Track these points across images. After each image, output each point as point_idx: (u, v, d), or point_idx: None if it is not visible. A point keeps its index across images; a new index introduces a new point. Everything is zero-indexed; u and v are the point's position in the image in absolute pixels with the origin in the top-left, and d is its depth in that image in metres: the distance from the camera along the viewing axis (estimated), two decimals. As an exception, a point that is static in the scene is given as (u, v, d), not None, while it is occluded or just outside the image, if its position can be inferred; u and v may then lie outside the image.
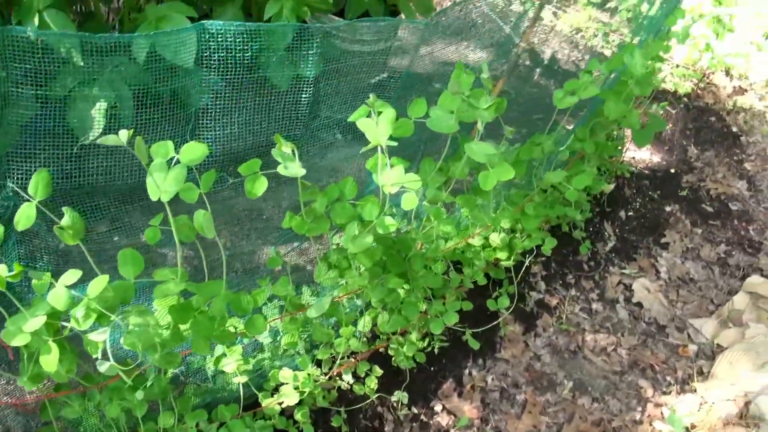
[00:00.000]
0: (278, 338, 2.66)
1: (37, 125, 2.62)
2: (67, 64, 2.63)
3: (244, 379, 2.39)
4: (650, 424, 3.19)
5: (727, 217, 4.44)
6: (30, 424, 2.36)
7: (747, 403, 3.26)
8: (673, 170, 4.68)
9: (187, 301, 1.93)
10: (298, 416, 2.67)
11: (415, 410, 3.04)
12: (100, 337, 1.72)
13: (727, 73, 5.76)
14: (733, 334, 3.67)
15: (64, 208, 1.66)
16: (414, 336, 2.91)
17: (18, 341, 1.72)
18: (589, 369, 3.38)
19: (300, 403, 2.65)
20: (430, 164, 2.27)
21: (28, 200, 1.62)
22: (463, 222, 2.99)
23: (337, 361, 2.81)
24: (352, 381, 2.90)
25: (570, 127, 3.60)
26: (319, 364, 2.82)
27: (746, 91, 5.69)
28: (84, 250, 1.76)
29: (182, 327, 1.96)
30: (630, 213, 4.25)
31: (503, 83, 2.67)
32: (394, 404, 3.00)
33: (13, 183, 2.63)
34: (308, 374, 2.54)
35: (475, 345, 3.15)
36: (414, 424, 3.00)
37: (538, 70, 4.83)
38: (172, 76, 2.65)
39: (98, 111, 2.86)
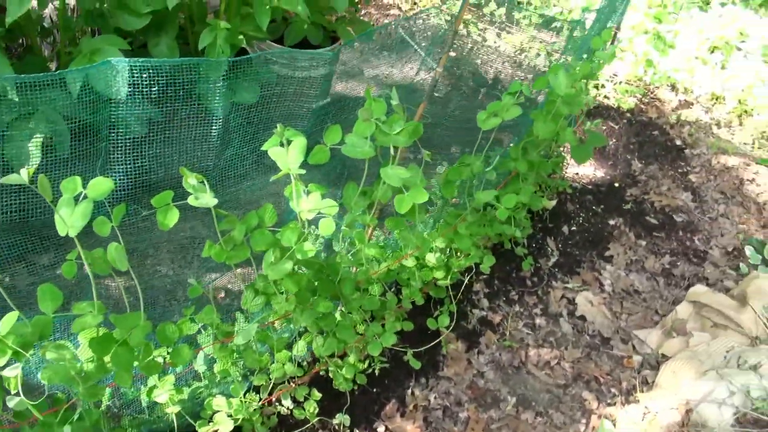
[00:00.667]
0: (213, 366, 2.68)
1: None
2: (4, 100, 2.65)
3: (176, 409, 2.40)
4: (592, 436, 3.23)
5: (671, 229, 4.51)
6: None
7: (689, 411, 3.31)
8: (616, 184, 4.76)
9: (106, 333, 1.94)
10: (236, 443, 2.68)
11: (357, 432, 3.06)
12: (12, 372, 1.73)
13: (673, 87, 5.87)
14: (677, 344, 3.72)
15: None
16: (352, 358, 2.93)
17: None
18: (533, 384, 3.41)
19: (239, 430, 2.66)
20: (353, 188, 2.31)
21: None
22: (398, 243, 3.02)
23: (271, 386, 2.81)
24: (291, 406, 2.91)
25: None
26: (258, 389, 2.83)
27: (692, 104, 5.80)
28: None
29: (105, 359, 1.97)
30: (573, 228, 4.31)
31: (424, 107, 2.71)
32: (336, 427, 3.01)
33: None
34: (241, 401, 2.55)
35: (416, 365, 3.18)
36: (356, 445, 3.03)
37: (483, 89, 4.90)
38: (104, 108, 2.67)
39: (35, 144, 2.87)
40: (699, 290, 3.99)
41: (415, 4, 5.94)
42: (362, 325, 2.89)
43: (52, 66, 3.67)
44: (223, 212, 1.99)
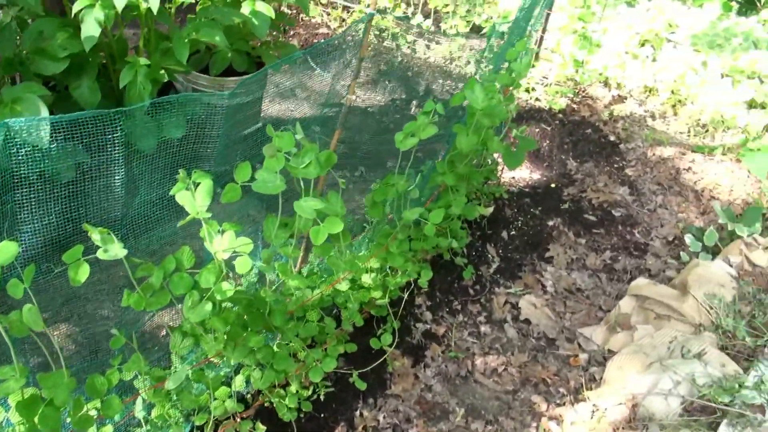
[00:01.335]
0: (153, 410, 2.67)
1: None
2: None
3: (116, 457, 2.39)
4: (543, 439, 3.27)
5: (610, 224, 4.58)
6: None
7: (635, 406, 3.36)
8: (553, 185, 4.81)
9: (33, 394, 1.93)
10: (183, 483, 2.67)
11: (307, 459, 3.07)
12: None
13: (606, 83, 5.95)
14: (622, 338, 3.77)
15: None
16: (294, 387, 2.94)
17: None
18: (481, 392, 3.44)
19: (185, 469, 2.66)
20: (272, 221, 2.32)
21: None
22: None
23: (214, 424, 2.80)
24: (237, 440, 2.91)
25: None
26: (202, 429, 2.83)
27: (625, 99, 5.89)
28: None
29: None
30: (512, 232, 4.36)
31: (339, 134, 2.73)
32: (284, 457, 3.02)
33: None
34: (181, 442, 2.55)
35: (362, 385, 3.19)
36: (307, 473, 3.03)
37: (414, 101, 4.94)
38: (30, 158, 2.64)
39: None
40: (640, 283, 4.05)
41: (343, 21, 5.97)
42: (303, 352, 2.89)
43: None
44: (136, 260, 1.99)
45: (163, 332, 3.34)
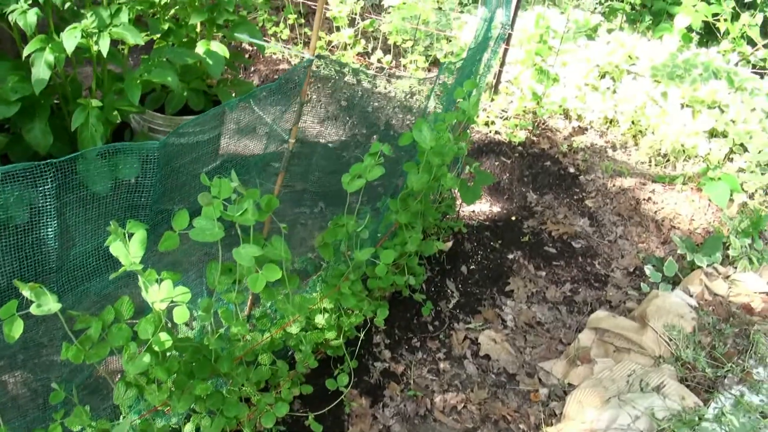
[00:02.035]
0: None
1: None
2: None
3: None
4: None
5: (571, 256, 4.59)
6: None
7: (595, 441, 3.35)
8: (513, 218, 4.82)
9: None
10: None
11: (262, 504, 3.02)
12: None
13: (566, 115, 5.99)
14: (582, 372, 3.76)
15: None
16: (247, 432, 2.90)
17: None
18: (441, 431, 3.42)
19: None
20: (214, 266, 2.30)
21: None
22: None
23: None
24: (189, 488, 2.86)
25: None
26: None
27: (586, 130, 5.93)
28: None
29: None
30: (472, 266, 4.35)
31: (282, 178, 2.73)
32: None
33: None
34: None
35: (318, 429, 3.15)
36: None
37: (375, 136, 4.94)
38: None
39: None
40: (600, 315, 4.05)
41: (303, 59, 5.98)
42: (255, 397, 2.86)
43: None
44: (74, 313, 1.96)
45: (118, 377, 3.30)
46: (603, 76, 6.15)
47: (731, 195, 5.06)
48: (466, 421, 3.48)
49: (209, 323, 2.37)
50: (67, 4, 3.67)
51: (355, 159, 4.81)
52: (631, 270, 4.56)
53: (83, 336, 2.05)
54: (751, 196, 5.30)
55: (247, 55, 5.63)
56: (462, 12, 6.44)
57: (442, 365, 3.72)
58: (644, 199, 5.18)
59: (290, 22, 5.96)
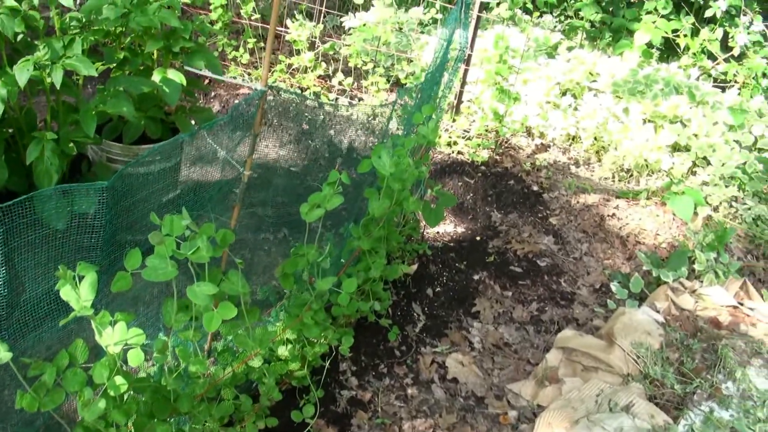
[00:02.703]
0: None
1: None
2: None
3: None
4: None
5: (536, 275, 4.58)
6: None
7: (565, 464, 3.33)
8: (478, 238, 4.81)
9: None
10: None
11: None
12: None
13: (528, 133, 6.01)
14: (550, 393, 3.74)
15: None
16: (209, 469, 2.84)
17: None
18: (410, 458, 3.38)
19: None
20: (170, 304, 2.25)
21: None
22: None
23: None
24: None
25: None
26: None
27: (548, 147, 5.95)
28: None
29: None
30: (438, 289, 4.33)
31: (238, 211, 2.69)
32: None
33: None
34: None
35: (284, 461, 3.11)
36: None
37: (339, 159, 4.92)
38: None
39: None
40: (567, 334, 4.04)
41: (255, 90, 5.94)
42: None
43: None
44: (27, 360, 1.91)
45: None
46: (564, 94, 6.18)
47: (695, 208, 5.08)
48: (435, 448, 3.45)
49: (167, 362, 2.32)
50: (20, 36, 3.62)
51: (320, 183, 4.78)
52: (597, 287, 4.56)
53: (37, 383, 2.00)
54: (716, 209, 5.34)
55: (206, 81, 5.58)
56: (422, 32, 6.45)
57: (410, 391, 3.68)
58: (608, 215, 5.20)
59: (250, 46, 5.92)
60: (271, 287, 3.91)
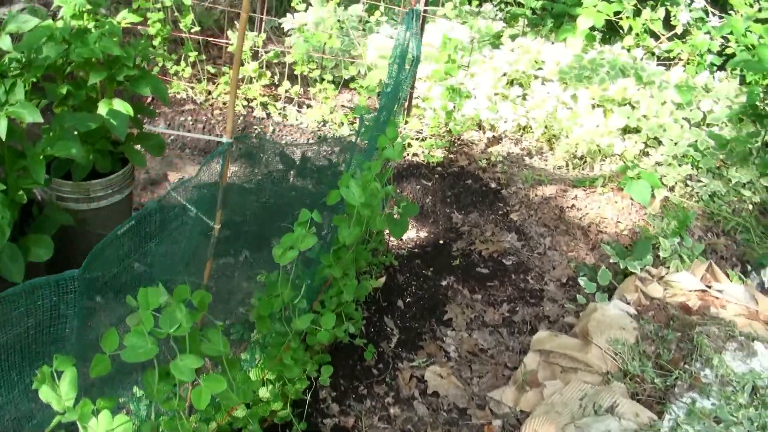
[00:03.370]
0: None
1: None
2: None
3: None
4: None
5: (503, 275, 4.56)
6: None
7: (554, 472, 3.32)
8: (441, 241, 4.77)
9: None
10: None
11: None
12: None
13: (480, 127, 5.97)
14: (532, 398, 3.72)
15: None
16: None
17: None
18: (398, 481, 3.34)
19: None
20: (151, 374, 2.16)
21: None
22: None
23: None
24: None
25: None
26: None
27: (501, 139, 5.92)
28: None
29: None
30: (408, 299, 4.28)
31: (211, 264, 2.60)
32: None
33: None
34: None
35: (273, 501, 3.04)
36: None
37: (292, 171, 4.81)
38: None
39: None
40: (542, 336, 4.03)
41: (209, 93, 5.81)
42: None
43: None
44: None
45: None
46: (511, 84, 6.15)
47: (652, 191, 5.10)
48: (422, 467, 3.41)
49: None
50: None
51: (276, 199, 4.68)
52: (564, 281, 4.56)
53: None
54: (672, 189, 5.38)
55: (148, 100, 5.42)
56: (364, 30, 6.35)
57: (392, 410, 3.63)
58: (568, 207, 5.19)
59: (191, 59, 5.76)
60: (243, 322, 3.80)
